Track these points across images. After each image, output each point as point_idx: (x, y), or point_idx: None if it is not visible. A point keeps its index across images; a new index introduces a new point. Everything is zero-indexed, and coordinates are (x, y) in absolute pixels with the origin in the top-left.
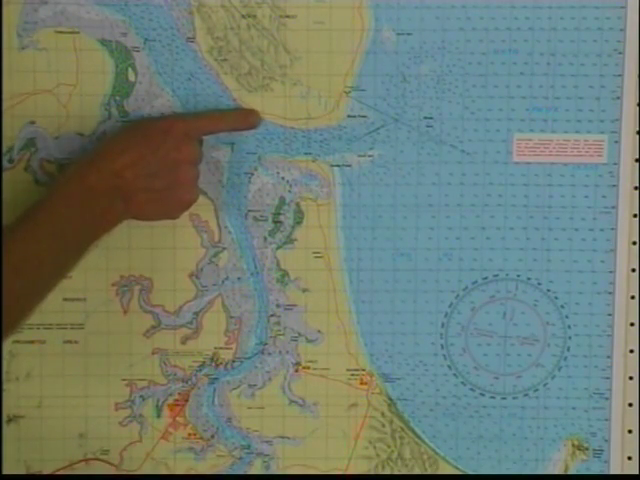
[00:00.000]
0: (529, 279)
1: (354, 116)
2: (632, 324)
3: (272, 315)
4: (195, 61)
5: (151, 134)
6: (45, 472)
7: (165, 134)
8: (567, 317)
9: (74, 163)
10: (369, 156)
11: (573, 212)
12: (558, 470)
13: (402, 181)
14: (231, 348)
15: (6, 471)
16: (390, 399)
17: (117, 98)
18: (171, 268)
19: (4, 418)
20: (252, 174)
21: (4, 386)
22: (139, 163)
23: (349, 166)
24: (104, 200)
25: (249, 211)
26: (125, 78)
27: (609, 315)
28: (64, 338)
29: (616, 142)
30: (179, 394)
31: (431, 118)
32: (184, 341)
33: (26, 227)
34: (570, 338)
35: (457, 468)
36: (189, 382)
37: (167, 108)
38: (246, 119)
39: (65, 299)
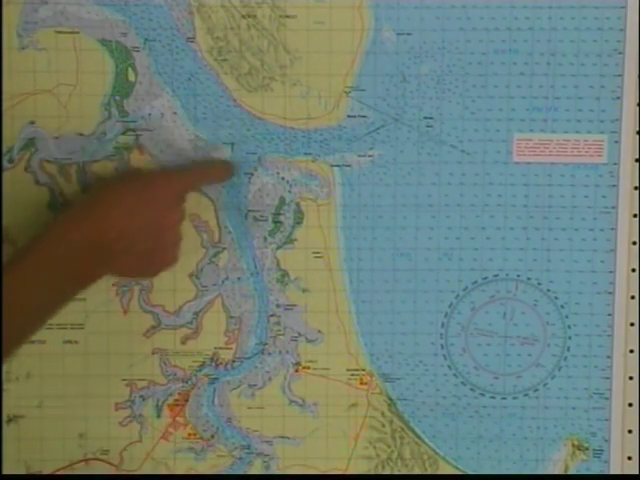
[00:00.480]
0: (529, 279)
1: (354, 116)
2: (632, 324)
3: (272, 315)
4: (195, 61)
5: (137, 196)
6: (45, 472)
7: (151, 197)
8: (567, 317)
9: (60, 215)
10: (369, 156)
11: (573, 212)
12: (558, 470)
13: (402, 181)
14: (231, 348)
15: (6, 471)
16: (390, 399)
17: (117, 98)
18: (171, 268)
19: (4, 418)
20: (252, 174)
21: (4, 386)
22: (124, 225)
23: (349, 166)
24: (86, 257)
25: (249, 211)
26: (125, 78)
27: (609, 315)
28: (64, 338)
29: (616, 142)
30: (179, 394)
31: (431, 118)
32: (184, 341)
33: (6, 276)
34: (570, 338)
35: (457, 468)
36: (189, 382)
37: (167, 108)
38: (225, 172)
39: None
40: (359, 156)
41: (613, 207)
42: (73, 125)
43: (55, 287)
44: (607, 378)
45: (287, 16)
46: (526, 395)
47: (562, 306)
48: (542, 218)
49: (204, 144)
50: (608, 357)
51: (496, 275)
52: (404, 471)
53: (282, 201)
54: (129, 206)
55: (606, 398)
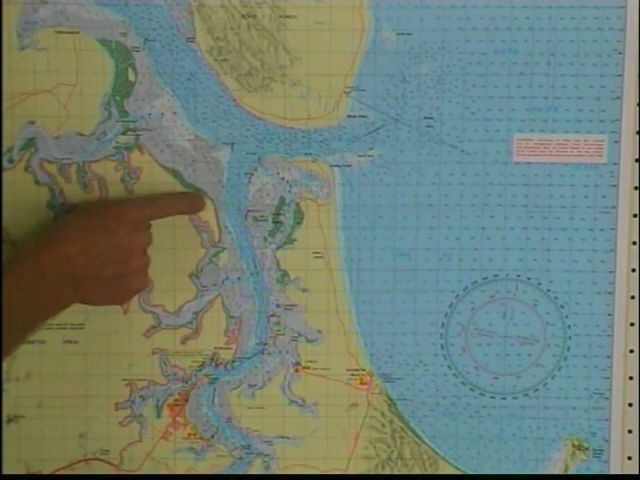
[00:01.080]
0: (529, 279)
1: (354, 116)
2: (632, 324)
3: (272, 315)
4: (195, 61)
5: (105, 221)
6: (45, 472)
7: (118, 221)
8: (567, 317)
9: (28, 243)
10: (369, 156)
11: (573, 212)
12: (558, 470)
13: (402, 181)
14: (231, 348)
15: (6, 471)
16: (390, 399)
17: (117, 98)
18: (171, 268)
19: (4, 418)
20: (252, 174)
21: (4, 386)
22: (91, 250)
23: (349, 166)
24: (55, 284)
25: (249, 211)
26: (125, 78)
27: (609, 315)
28: (64, 338)
29: (616, 142)
30: (179, 394)
31: (431, 118)
32: (184, 341)
33: None
34: (570, 338)
35: (457, 468)
36: (189, 382)
37: (167, 108)
38: (194, 204)
39: None
40: (359, 156)
41: (613, 207)
42: (73, 125)
43: (25, 314)
44: (607, 378)
45: (287, 16)
46: (526, 395)
47: (562, 306)
48: (542, 218)
49: (204, 144)
50: (608, 357)
51: (496, 275)
52: (404, 471)
53: (282, 201)
54: (97, 231)
55: (606, 398)
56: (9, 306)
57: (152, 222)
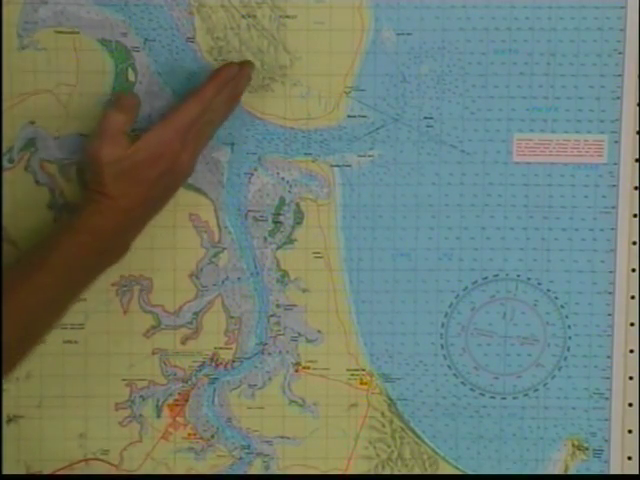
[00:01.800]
0: (529, 279)
1: (354, 116)
2: (632, 324)
3: (272, 315)
4: (195, 61)
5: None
6: (45, 472)
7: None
8: (567, 317)
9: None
10: (369, 156)
11: (573, 212)
12: (558, 470)
13: (402, 181)
14: (231, 348)
15: (6, 471)
16: (390, 399)
17: None
18: (171, 268)
19: (4, 418)
20: (252, 174)
21: (4, 386)
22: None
23: (349, 166)
24: (112, 238)
25: (249, 211)
26: (125, 78)
27: (609, 315)
28: (64, 338)
29: (616, 142)
30: (179, 394)
31: (431, 118)
32: (184, 341)
33: (39, 274)
34: (570, 338)
35: (457, 468)
36: (189, 382)
37: (167, 108)
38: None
39: None
40: (359, 156)
41: (613, 207)
42: (73, 125)
43: (89, 275)
44: (607, 378)
45: (287, 16)
46: (526, 395)
47: (562, 306)
48: (542, 218)
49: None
50: (608, 357)
51: (496, 275)
52: (404, 471)
53: (282, 201)
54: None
55: (606, 398)
56: (75, 271)
57: (152, 222)
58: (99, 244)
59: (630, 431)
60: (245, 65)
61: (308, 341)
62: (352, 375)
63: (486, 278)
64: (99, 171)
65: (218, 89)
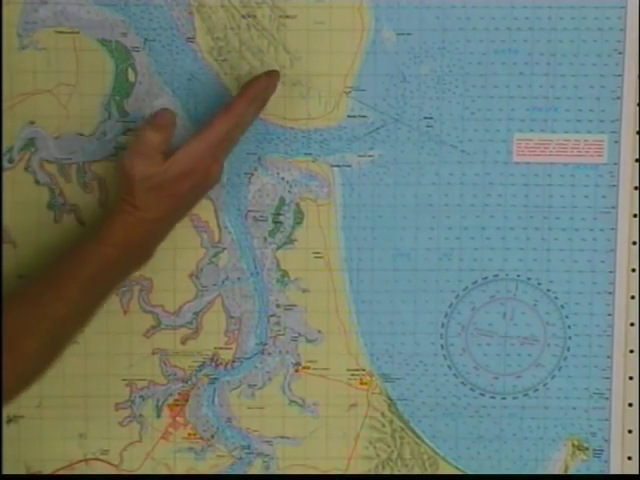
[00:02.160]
0: (529, 279)
1: (354, 116)
2: (632, 324)
3: (272, 315)
4: (195, 61)
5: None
6: (45, 472)
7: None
8: (567, 317)
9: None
10: (369, 156)
11: (573, 212)
12: (558, 470)
13: (402, 181)
14: (231, 348)
15: (6, 471)
16: (390, 399)
17: (117, 98)
18: (171, 268)
19: (4, 418)
20: (252, 174)
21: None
22: (160, 205)
23: (349, 166)
24: (139, 249)
25: (249, 211)
26: (125, 78)
27: (609, 315)
28: None
29: (616, 142)
30: (179, 394)
31: (431, 118)
32: (184, 341)
33: (67, 286)
34: (570, 338)
35: (457, 468)
36: (189, 382)
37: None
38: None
39: None
40: (359, 156)
41: (613, 207)
42: (73, 125)
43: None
44: (607, 378)
45: (287, 16)
46: (526, 395)
47: (562, 306)
48: (542, 218)
49: None
50: (608, 357)
51: (496, 275)
52: (404, 471)
53: (282, 201)
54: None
55: (606, 398)
56: (104, 281)
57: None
58: (126, 255)
59: (630, 431)
60: (272, 75)
61: (308, 341)
62: (352, 375)
63: (486, 278)
64: (131, 185)
65: (249, 103)
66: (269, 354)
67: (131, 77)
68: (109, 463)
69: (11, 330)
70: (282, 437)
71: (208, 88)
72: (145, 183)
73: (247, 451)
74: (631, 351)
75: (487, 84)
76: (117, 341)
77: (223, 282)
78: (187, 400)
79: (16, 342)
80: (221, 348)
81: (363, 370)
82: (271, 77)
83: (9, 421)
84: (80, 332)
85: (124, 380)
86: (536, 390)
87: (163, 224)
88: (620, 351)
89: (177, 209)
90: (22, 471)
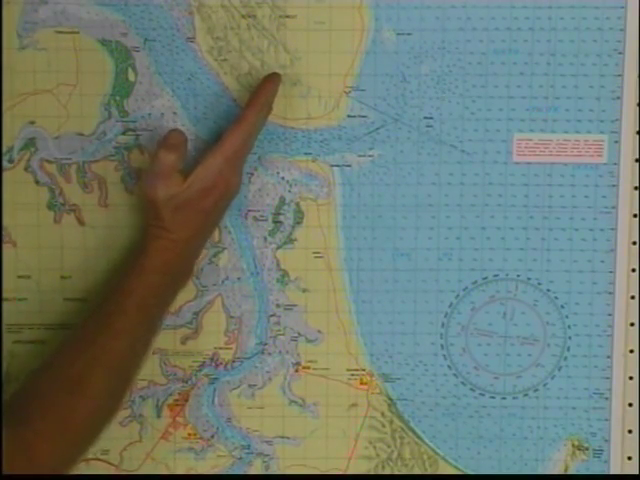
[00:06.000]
0: (529, 279)
1: (354, 116)
2: (632, 324)
3: (272, 315)
4: (195, 61)
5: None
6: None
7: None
8: (567, 317)
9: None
10: (369, 156)
11: (573, 212)
12: (558, 470)
13: (402, 181)
14: (231, 348)
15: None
16: (390, 399)
17: (117, 98)
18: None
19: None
20: (252, 174)
21: (4, 386)
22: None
23: (349, 166)
24: (178, 269)
25: (249, 211)
26: (125, 78)
27: (609, 315)
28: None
29: (616, 142)
30: (179, 394)
31: (431, 118)
32: (184, 341)
33: (118, 321)
34: (570, 338)
35: (457, 468)
36: (189, 382)
37: (167, 108)
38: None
39: (65, 299)
40: (359, 156)
41: (613, 207)
42: (73, 125)
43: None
44: (607, 378)
45: (287, 16)
46: (526, 395)
47: (562, 306)
48: (542, 218)
49: (204, 144)
50: (608, 357)
51: (496, 275)
52: (404, 471)
53: (282, 201)
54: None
55: (606, 398)
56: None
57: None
58: (168, 278)
59: (630, 431)
60: (275, 79)
61: (308, 341)
62: (352, 375)
63: (486, 278)
64: (157, 209)
65: (258, 112)
66: (269, 354)
67: (131, 77)
68: (109, 463)
69: (74, 374)
70: (282, 437)
71: (208, 88)
72: (169, 204)
73: (247, 451)
74: (631, 351)
75: (487, 84)
76: None
77: (223, 282)
78: (187, 400)
79: (81, 385)
80: (221, 348)
81: (363, 370)
82: (274, 82)
83: None
84: (146, 357)
85: None
86: (536, 390)
87: (195, 242)
88: (620, 351)
89: (205, 225)
90: None
